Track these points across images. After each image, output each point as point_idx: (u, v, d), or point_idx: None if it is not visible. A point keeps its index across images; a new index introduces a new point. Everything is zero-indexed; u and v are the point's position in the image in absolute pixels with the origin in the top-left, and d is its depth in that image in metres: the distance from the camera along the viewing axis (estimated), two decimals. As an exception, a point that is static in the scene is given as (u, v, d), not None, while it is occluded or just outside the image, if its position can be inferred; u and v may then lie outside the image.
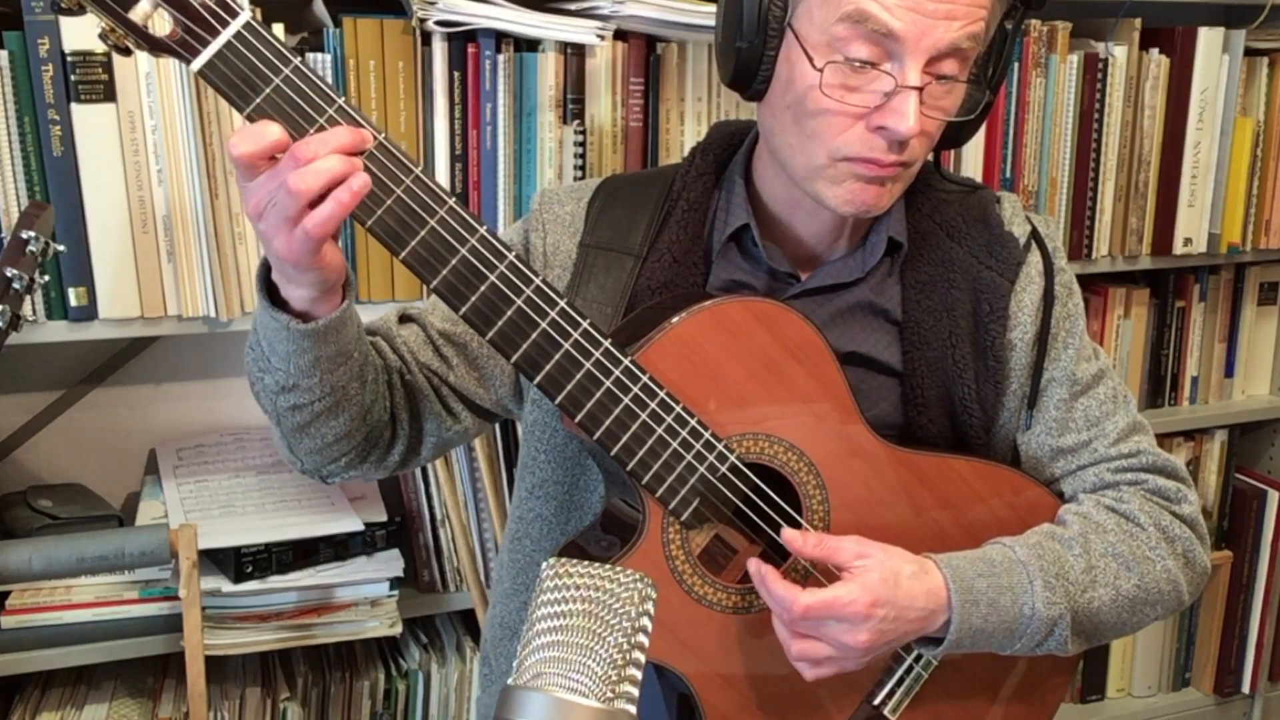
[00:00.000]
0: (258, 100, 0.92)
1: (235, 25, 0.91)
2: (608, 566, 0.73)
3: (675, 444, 1.07)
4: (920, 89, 1.04)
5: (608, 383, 1.05)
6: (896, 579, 1.09)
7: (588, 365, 1.04)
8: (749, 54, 1.08)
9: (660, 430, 1.07)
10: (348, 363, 1.05)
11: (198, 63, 0.91)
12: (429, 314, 1.22)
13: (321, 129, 0.93)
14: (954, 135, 1.15)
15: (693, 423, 1.08)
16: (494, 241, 1.00)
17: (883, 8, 1.01)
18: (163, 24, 0.92)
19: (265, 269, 1.01)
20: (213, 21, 0.91)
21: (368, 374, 1.09)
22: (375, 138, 0.94)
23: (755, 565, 1.10)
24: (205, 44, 0.91)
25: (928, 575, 1.11)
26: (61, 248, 1.31)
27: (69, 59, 1.48)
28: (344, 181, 0.91)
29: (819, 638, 1.08)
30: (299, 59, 0.93)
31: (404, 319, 1.22)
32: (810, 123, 1.08)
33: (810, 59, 1.05)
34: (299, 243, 0.93)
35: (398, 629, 1.76)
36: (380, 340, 1.19)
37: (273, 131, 0.92)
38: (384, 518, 1.79)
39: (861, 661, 1.11)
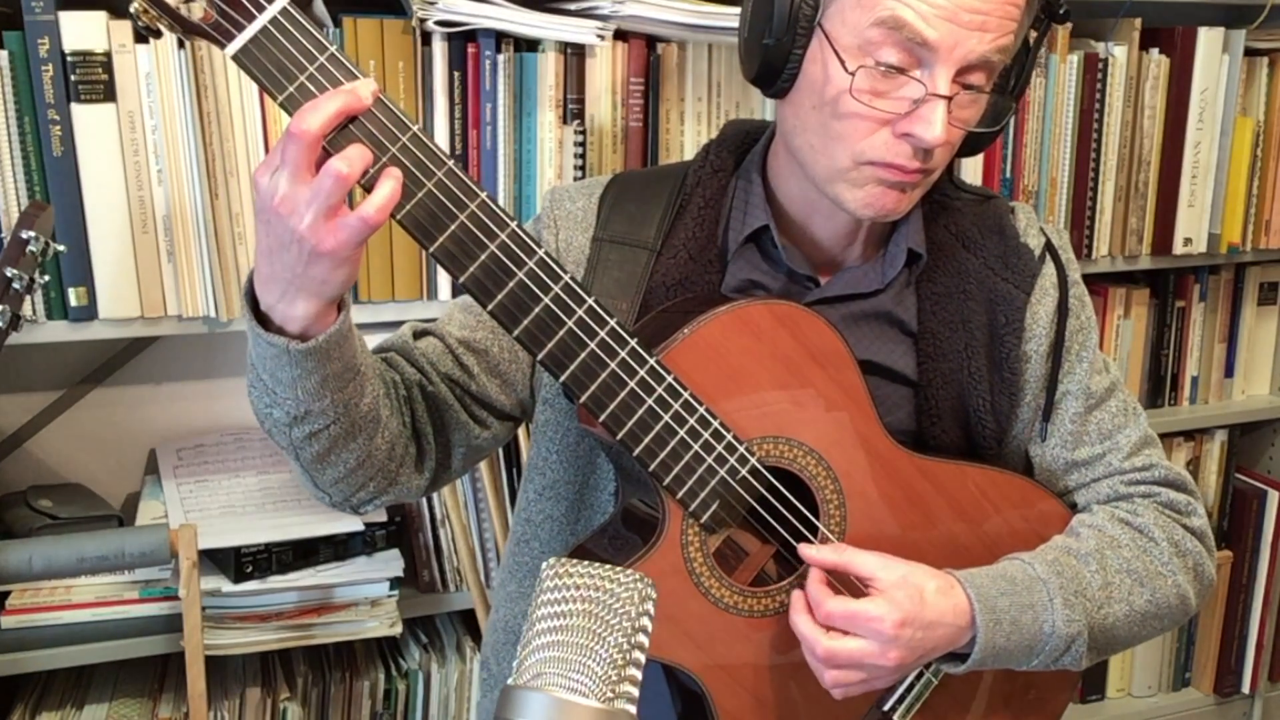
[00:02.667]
0: (291, 89, 0.91)
1: (272, 10, 0.90)
2: (608, 566, 0.72)
3: (697, 446, 1.07)
4: (949, 98, 1.04)
5: (632, 383, 1.04)
6: (922, 595, 1.09)
7: (613, 365, 1.03)
8: (775, 51, 1.08)
9: (683, 432, 1.06)
10: (356, 378, 1.02)
11: (232, 47, 0.90)
12: (446, 324, 1.21)
13: (354, 118, 0.92)
14: (972, 144, 1.15)
15: (715, 424, 1.07)
16: (524, 237, 0.98)
17: (919, 16, 1.01)
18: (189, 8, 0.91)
19: (252, 298, 0.97)
20: (249, 6, 0.89)
21: (378, 389, 1.06)
22: (410, 128, 0.93)
23: (797, 596, 1.11)
24: (240, 28, 0.90)
25: (952, 591, 1.11)
26: (61, 248, 1.31)
27: (69, 59, 1.48)
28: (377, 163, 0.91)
29: (850, 666, 1.08)
30: (334, 46, 0.91)
31: (419, 334, 1.21)
32: (836, 125, 1.07)
33: (842, 61, 1.05)
34: (349, 232, 0.90)
35: (398, 629, 1.76)
36: (396, 356, 1.17)
37: (336, 101, 0.89)
38: (384, 518, 1.79)
39: (892, 678, 1.11)
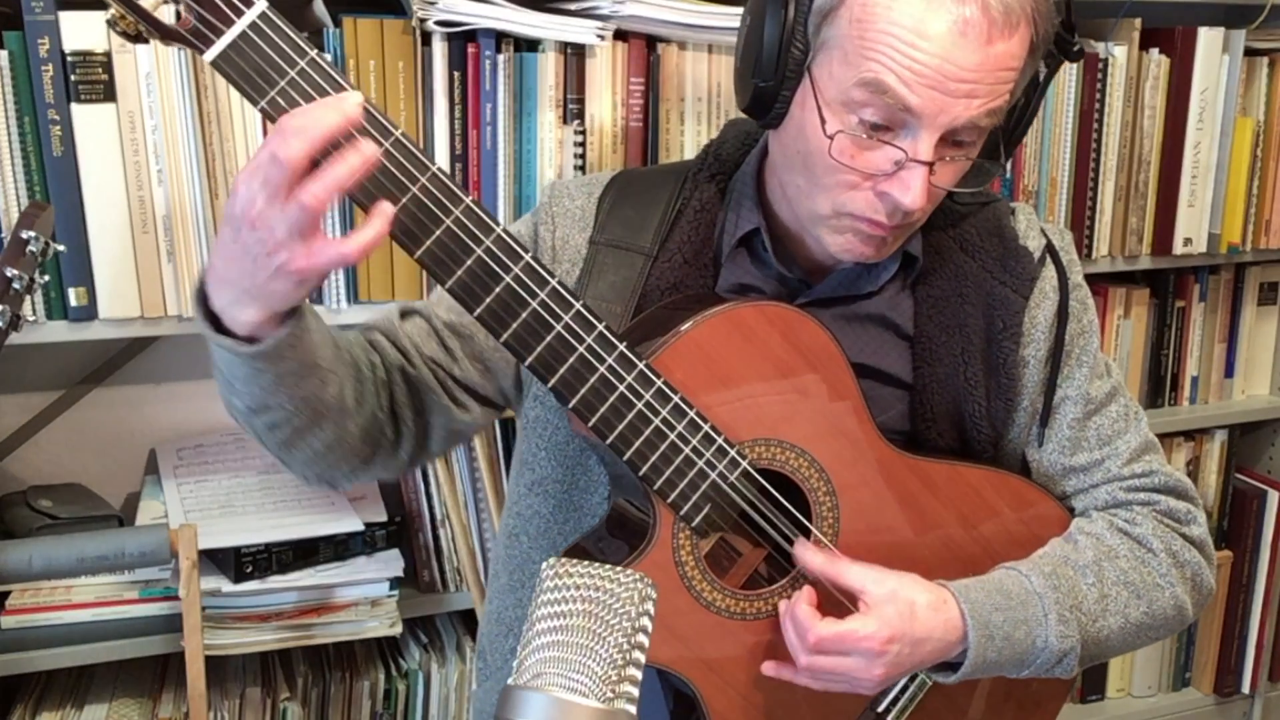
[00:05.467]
0: (272, 93, 0.90)
1: (250, 15, 0.88)
2: (608, 567, 0.72)
3: (688, 450, 1.06)
4: (930, 164, 1.02)
5: (621, 387, 1.03)
6: (913, 611, 1.08)
7: (602, 370, 1.02)
8: (766, 91, 1.06)
9: (673, 436, 1.06)
10: (315, 372, 1.00)
11: (211, 53, 0.89)
12: (435, 306, 1.20)
13: None
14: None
15: (705, 428, 1.07)
16: (510, 242, 0.98)
17: (902, 82, 0.99)
18: (168, 13, 0.91)
19: (203, 297, 0.96)
20: (227, 10, 0.88)
21: (346, 378, 1.05)
22: (393, 133, 0.92)
23: (784, 606, 1.11)
24: (219, 34, 0.88)
25: (945, 606, 1.11)
26: (61, 248, 1.31)
27: (69, 59, 1.48)
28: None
29: (834, 675, 1.08)
30: (315, 51, 0.91)
31: (406, 313, 1.20)
32: (817, 178, 1.07)
33: (823, 121, 1.03)
34: (323, 261, 0.88)
35: (398, 629, 1.76)
36: (380, 336, 1.17)
37: (321, 125, 0.85)
38: (384, 518, 1.79)
39: (877, 689, 1.11)
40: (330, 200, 0.87)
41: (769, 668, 1.12)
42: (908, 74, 0.99)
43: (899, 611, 1.07)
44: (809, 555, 1.10)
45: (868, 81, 1.00)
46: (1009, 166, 1.97)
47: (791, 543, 1.13)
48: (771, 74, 1.05)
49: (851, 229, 1.08)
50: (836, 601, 1.12)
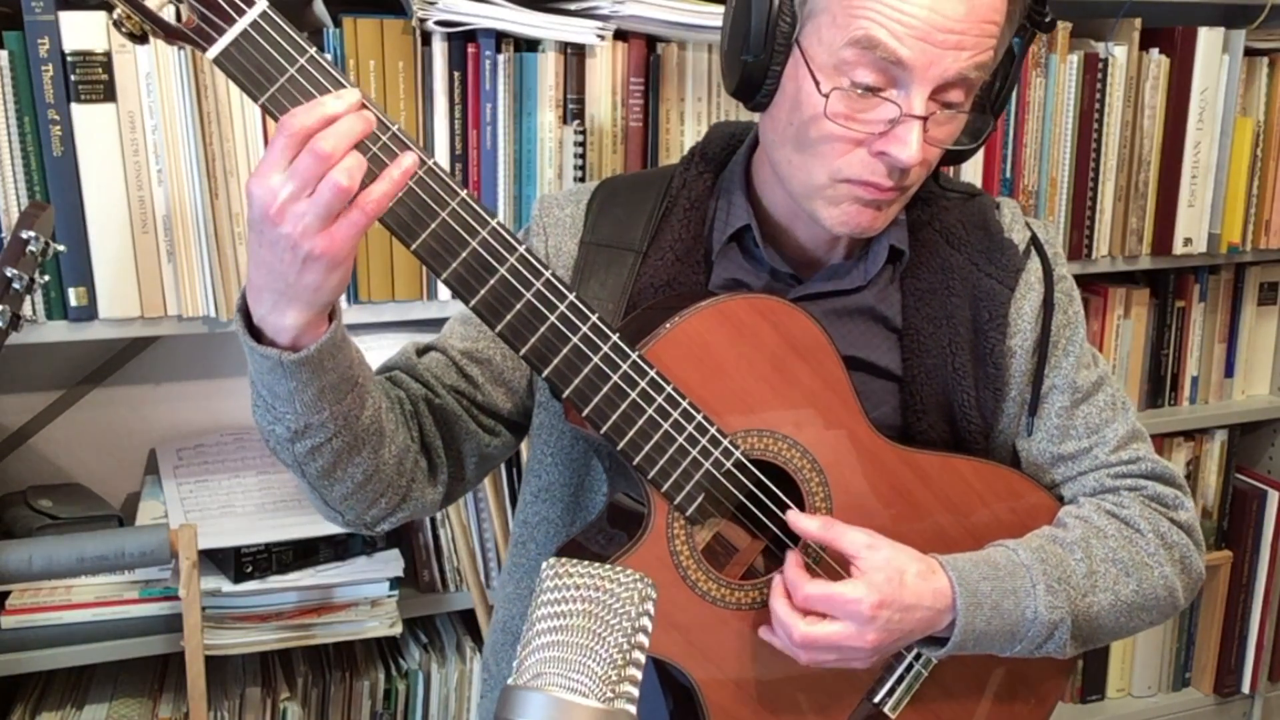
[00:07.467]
0: (272, 90, 0.92)
1: (252, 14, 0.91)
2: (608, 566, 0.73)
3: (681, 439, 1.08)
4: (925, 118, 1.03)
5: (615, 377, 1.05)
6: (902, 578, 1.09)
7: (595, 359, 1.04)
8: (755, 67, 1.08)
9: (666, 425, 1.07)
10: (355, 389, 1.02)
11: (213, 51, 0.91)
12: (448, 338, 1.22)
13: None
14: (953, 156, 1.15)
15: (698, 418, 1.08)
16: (505, 234, 1.00)
17: (892, 35, 1.01)
18: (171, 12, 0.92)
19: (246, 312, 0.98)
20: (229, 10, 0.91)
21: (380, 401, 1.07)
22: (390, 128, 0.94)
23: (776, 582, 1.11)
24: (221, 32, 0.91)
25: (934, 575, 1.12)
26: (61, 248, 1.31)
27: (69, 59, 1.48)
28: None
29: (827, 649, 1.09)
30: (314, 49, 0.93)
31: (421, 351, 1.22)
32: (812, 144, 1.08)
33: (817, 83, 1.05)
34: (347, 228, 0.90)
35: (398, 629, 1.76)
36: (399, 373, 1.18)
37: (325, 107, 0.89)
38: (384, 518, 1.79)
39: (869, 660, 1.11)
40: (358, 185, 0.89)
41: (764, 632, 1.13)
42: (898, 28, 1.01)
43: (888, 578, 1.09)
44: (804, 521, 1.11)
45: (859, 39, 1.02)
46: (1009, 167, 1.97)
47: (785, 532, 1.13)
48: (761, 48, 1.07)
49: (849, 196, 1.09)
50: (825, 575, 1.13)
